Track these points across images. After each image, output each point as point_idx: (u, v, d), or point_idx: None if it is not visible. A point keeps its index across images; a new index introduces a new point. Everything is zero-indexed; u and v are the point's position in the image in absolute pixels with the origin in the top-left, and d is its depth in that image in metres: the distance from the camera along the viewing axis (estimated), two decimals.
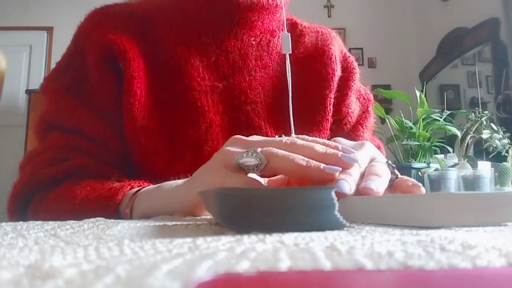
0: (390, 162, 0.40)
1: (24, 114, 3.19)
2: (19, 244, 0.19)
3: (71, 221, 0.33)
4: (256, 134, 0.41)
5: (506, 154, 1.76)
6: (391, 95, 2.16)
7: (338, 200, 0.23)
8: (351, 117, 0.69)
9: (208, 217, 0.40)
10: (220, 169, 0.38)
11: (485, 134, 1.77)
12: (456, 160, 1.70)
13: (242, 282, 0.12)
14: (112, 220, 0.35)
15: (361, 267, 0.13)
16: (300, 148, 0.36)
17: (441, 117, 1.82)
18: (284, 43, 0.63)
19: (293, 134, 0.42)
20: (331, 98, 0.66)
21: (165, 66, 0.61)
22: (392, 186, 0.40)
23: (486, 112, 1.83)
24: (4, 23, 3.56)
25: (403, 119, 1.82)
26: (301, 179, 0.40)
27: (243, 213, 0.22)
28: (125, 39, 0.59)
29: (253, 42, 0.64)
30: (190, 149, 0.57)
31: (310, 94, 0.65)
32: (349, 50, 0.74)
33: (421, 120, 1.78)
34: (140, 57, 0.59)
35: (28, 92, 3.22)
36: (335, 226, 0.23)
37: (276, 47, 0.66)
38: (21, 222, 0.32)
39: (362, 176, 0.36)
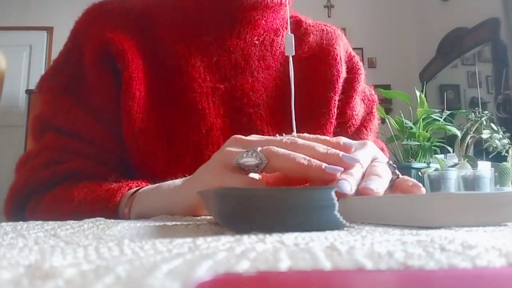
0: (391, 162, 0.40)
1: (24, 114, 3.19)
2: (19, 244, 0.19)
3: (71, 221, 0.33)
4: None
5: (506, 154, 1.76)
6: (391, 95, 2.16)
7: (338, 200, 0.23)
8: (355, 120, 0.68)
9: (208, 217, 0.40)
10: (220, 169, 0.37)
11: (485, 134, 1.77)
12: (456, 160, 1.69)
13: (242, 282, 0.12)
14: (112, 220, 0.35)
15: (361, 267, 0.13)
16: (301, 147, 0.35)
17: (441, 117, 1.82)
18: (287, 44, 0.61)
19: (294, 133, 0.41)
20: (335, 100, 0.64)
21: (164, 65, 0.59)
22: (393, 186, 0.39)
23: (486, 112, 1.83)
24: (4, 23, 3.56)
25: (403, 119, 1.82)
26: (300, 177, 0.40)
27: (243, 213, 0.22)
28: (124, 37, 0.57)
29: (256, 42, 0.62)
30: (189, 153, 0.56)
31: (314, 96, 0.64)
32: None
33: (421, 120, 1.78)
34: (139, 57, 0.58)
35: (28, 92, 3.22)
36: (335, 226, 0.23)
37: (279, 47, 0.64)
38: (21, 222, 0.32)
39: (363, 176, 0.35)
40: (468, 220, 0.24)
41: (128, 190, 0.48)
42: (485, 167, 1.54)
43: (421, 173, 1.61)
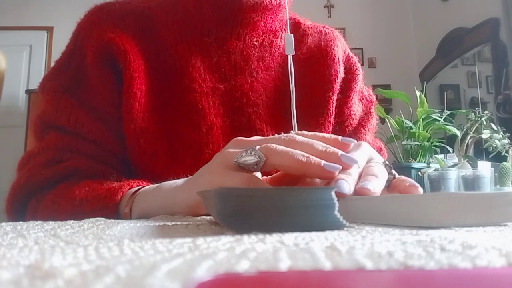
0: (387, 162, 0.40)
1: (24, 114, 3.19)
2: (19, 244, 0.19)
3: (71, 221, 0.33)
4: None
5: (506, 154, 1.76)
6: (391, 95, 2.16)
7: (338, 200, 0.23)
8: (353, 119, 0.69)
9: (208, 217, 0.40)
10: (221, 169, 0.37)
11: (485, 134, 1.77)
12: (456, 160, 1.70)
13: (242, 282, 0.12)
14: (112, 220, 0.35)
15: (361, 267, 0.13)
16: (299, 145, 0.35)
17: (441, 117, 1.82)
18: (287, 44, 0.62)
19: (294, 131, 0.41)
20: (333, 100, 0.65)
21: (165, 65, 0.60)
22: (390, 186, 0.40)
23: (486, 112, 1.84)
24: (4, 23, 3.56)
25: (403, 119, 1.82)
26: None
27: (243, 213, 0.22)
28: (125, 38, 0.58)
29: (256, 43, 0.63)
30: (190, 152, 0.57)
31: (312, 96, 0.64)
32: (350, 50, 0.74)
33: (421, 120, 1.78)
34: (140, 57, 0.58)
35: (28, 92, 3.22)
36: (335, 226, 0.23)
37: (278, 48, 0.65)
38: (21, 222, 0.32)
39: (360, 176, 0.36)
40: (468, 220, 0.24)
41: (129, 189, 0.49)
42: (485, 167, 1.54)
43: (421, 173, 1.62)
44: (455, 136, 1.79)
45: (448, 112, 1.86)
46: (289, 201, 0.23)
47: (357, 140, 0.68)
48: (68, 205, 0.50)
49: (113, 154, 0.58)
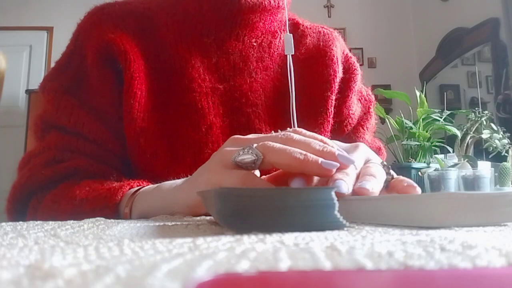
0: (385, 162, 0.40)
1: (24, 114, 3.19)
2: (19, 244, 0.19)
3: (71, 221, 0.33)
4: None
5: (506, 154, 1.76)
6: (391, 95, 2.16)
7: (337, 200, 0.23)
8: (352, 119, 0.69)
9: (208, 217, 0.40)
10: (219, 168, 0.37)
11: (485, 134, 1.77)
12: (456, 160, 1.69)
13: (242, 282, 0.12)
14: (112, 220, 0.35)
15: (361, 267, 0.13)
16: (296, 143, 0.35)
17: (441, 117, 1.81)
18: (286, 44, 0.62)
19: (292, 128, 0.41)
20: (332, 99, 0.65)
21: (165, 66, 0.60)
22: (388, 186, 0.40)
23: (486, 112, 1.83)
24: (4, 23, 3.56)
25: (403, 119, 1.82)
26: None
27: (243, 213, 0.22)
28: (125, 38, 0.58)
29: (254, 44, 0.64)
30: (190, 152, 0.57)
31: (311, 96, 0.65)
32: (349, 50, 0.74)
33: (421, 120, 1.78)
34: (140, 57, 0.59)
35: (28, 92, 3.22)
36: (335, 226, 0.23)
37: (277, 49, 0.66)
38: (21, 222, 0.32)
39: (357, 177, 0.36)
40: (468, 220, 0.24)
41: (129, 189, 0.49)
42: (485, 167, 1.54)
43: (421, 173, 1.62)
44: (455, 136, 1.79)
45: (448, 112, 1.86)
46: (289, 201, 0.23)
47: (356, 140, 0.69)
48: (68, 205, 0.50)
49: (114, 154, 0.58)
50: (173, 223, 0.32)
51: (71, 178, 0.54)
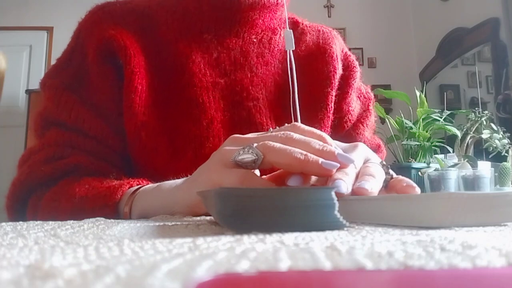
0: (384, 162, 0.40)
1: (24, 114, 3.19)
2: (19, 244, 0.19)
3: (71, 221, 0.33)
4: (258, 131, 0.40)
5: (506, 154, 1.76)
6: (391, 95, 2.16)
7: (338, 200, 0.23)
8: (351, 115, 0.70)
9: (208, 217, 0.40)
10: (219, 167, 0.37)
11: (485, 134, 1.77)
12: (456, 160, 1.69)
13: (242, 282, 0.12)
14: (112, 220, 0.35)
15: (361, 267, 0.13)
16: (296, 142, 0.35)
17: (441, 117, 1.81)
18: (286, 39, 0.63)
19: (298, 123, 0.41)
20: (332, 95, 0.66)
21: (166, 62, 0.61)
22: (387, 186, 0.40)
23: (486, 112, 1.83)
24: (4, 23, 3.56)
25: (403, 119, 1.82)
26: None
27: (243, 213, 0.22)
28: (126, 35, 0.59)
29: (254, 40, 0.64)
30: (191, 146, 0.57)
31: (311, 92, 0.65)
32: (349, 50, 0.75)
33: (421, 120, 1.78)
34: (141, 53, 0.59)
35: (28, 92, 3.22)
36: (335, 226, 0.23)
37: (277, 45, 0.66)
38: (21, 222, 0.32)
39: (357, 177, 0.36)
40: (468, 220, 0.24)
41: (129, 188, 0.49)
42: (485, 167, 1.54)
43: (421, 173, 1.61)
44: (455, 136, 1.79)
45: (448, 112, 1.86)
46: (289, 201, 0.23)
47: (356, 136, 0.69)
48: (68, 203, 0.50)
49: (114, 151, 0.59)
50: (173, 223, 0.32)
51: (71, 175, 0.54)
